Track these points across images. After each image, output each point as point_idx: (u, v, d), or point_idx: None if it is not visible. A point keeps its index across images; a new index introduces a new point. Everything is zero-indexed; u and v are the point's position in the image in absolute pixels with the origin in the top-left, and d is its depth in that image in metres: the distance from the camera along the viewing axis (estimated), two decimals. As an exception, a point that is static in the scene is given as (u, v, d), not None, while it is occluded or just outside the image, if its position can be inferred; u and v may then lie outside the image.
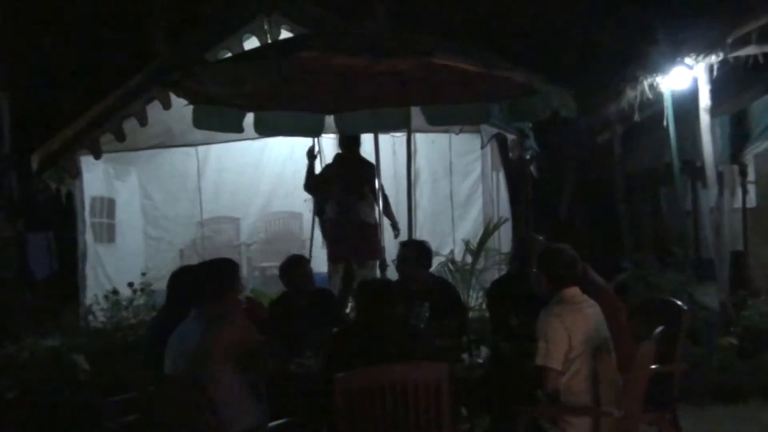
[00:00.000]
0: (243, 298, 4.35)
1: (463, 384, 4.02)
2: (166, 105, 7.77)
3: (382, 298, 3.89)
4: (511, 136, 8.64)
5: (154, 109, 8.01)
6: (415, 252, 5.33)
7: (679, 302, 4.72)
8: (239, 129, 6.13)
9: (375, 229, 7.23)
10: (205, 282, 3.88)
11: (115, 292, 8.00)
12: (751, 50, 7.25)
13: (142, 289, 7.79)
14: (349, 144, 7.28)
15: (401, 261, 5.29)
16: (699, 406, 5.78)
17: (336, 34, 6.17)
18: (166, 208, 9.76)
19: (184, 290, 4.13)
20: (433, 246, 5.80)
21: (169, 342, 3.83)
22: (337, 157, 7.55)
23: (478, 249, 8.18)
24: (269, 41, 7.79)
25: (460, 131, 8.73)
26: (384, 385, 3.40)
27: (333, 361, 3.72)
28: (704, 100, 7.51)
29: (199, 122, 5.85)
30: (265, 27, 7.96)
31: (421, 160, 9.48)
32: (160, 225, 9.73)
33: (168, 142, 8.84)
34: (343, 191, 7.15)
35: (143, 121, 7.98)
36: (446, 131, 8.74)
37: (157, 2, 12.19)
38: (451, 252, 8.45)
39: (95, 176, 8.85)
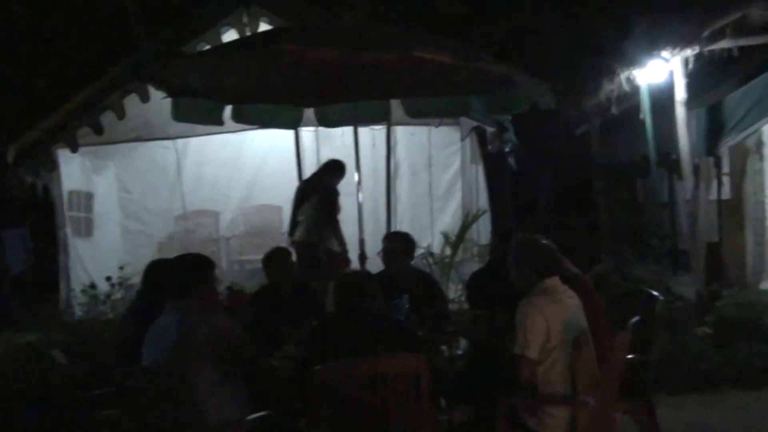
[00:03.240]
0: (224, 289, 4.35)
1: (442, 375, 4.05)
2: (144, 98, 7.74)
3: (362, 291, 3.90)
4: (490, 129, 8.68)
5: (131, 102, 7.98)
6: (402, 244, 5.37)
7: (654, 292, 4.77)
8: (219, 122, 6.12)
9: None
10: (180, 277, 3.87)
11: (92, 286, 7.97)
12: (725, 44, 7.34)
13: (120, 283, 7.76)
14: None
15: (388, 253, 5.32)
16: (674, 394, 5.86)
17: (315, 27, 6.16)
18: (145, 202, 9.72)
19: (159, 284, 4.12)
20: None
21: (146, 337, 3.82)
22: None
23: (456, 241, 8.22)
24: (248, 34, 7.78)
25: (440, 124, 8.76)
26: (363, 376, 3.42)
27: (312, 354, 3.73)
28: (680, 93, 7.59)
29: (179, 115, 5.84)
30: (244, 20, 7.94)
31: (400, 153, 9.51)
32: (138, 219, 9.69)
33: (146, 135, 8.81)
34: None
35: (121, 114, 7.95)
36: (426, 124, 8.76)
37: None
38: (429, 246, 8.49)
39: (72, 170, 8.79)
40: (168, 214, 9.67)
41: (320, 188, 7.56)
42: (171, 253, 7.83)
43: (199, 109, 5.89)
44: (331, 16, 7.67)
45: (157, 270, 4.41)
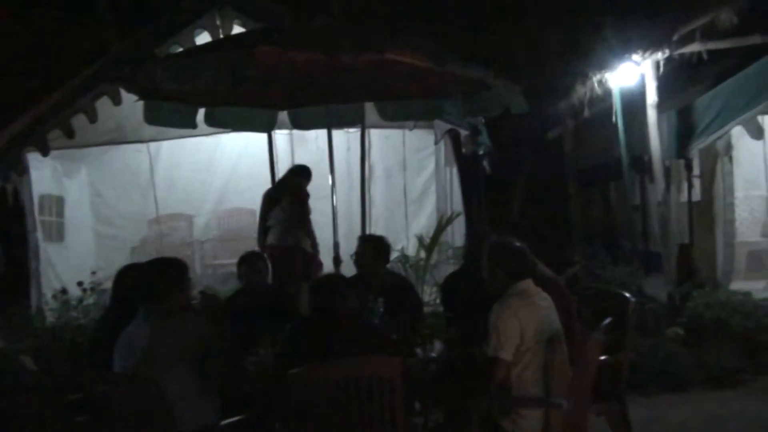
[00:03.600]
0: (197, 293, 4.32)
1: (416, 378, 4.06)
2: (116, 100, 7.66)
3: (336, 294, 3.90)
4: (464, 132, 8.72)
5: (103, 105, 7.89)
6: (374, 248, 5.37)
7: (626, 294, 4.82)
8: (192, 125, 6.08)
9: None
10: (152, 282, 3.84)
11: (63, 291, 7.87)
12: (695, 47, 7.44)
13: (92, 288, 7.67)
14: None
15: (363, 256, 5.31)
16: (647, 395, 5.93)
17: (289, 30, 6.15)
18: (118, 206, 9.62)
19: (131, 289, 4.08)
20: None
21: (118, 343, 3.78)
22: None
23: (431, 244, 8.23)
24: (221, 36, 7.74)
25: (414, 127, 8.77)
26: (337, 380, 3.42)
27: (287, 357, 3.72)
28: (651, 97, 7.68)
29: (151, 118, 5.79)
30: (217, 22, 7.90)
31: (375, 156, 9.52)
32: (111, 223, 9.59)
33: (118, 138, 8.72)
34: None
35: (92, 117, 7.86)
36: (400, 127, 8.77)
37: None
38: (402, 248, 8.50)
39: (43, 174, 8.67)
40: (141, 218, 9.58)
41: (289, 191, 7.54)
42: (144, 258, 7.75)
43: (172, 112, 5.85)
44: (306, 18, 7.66)
45: (128, 275, 4.37)
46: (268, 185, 8.31)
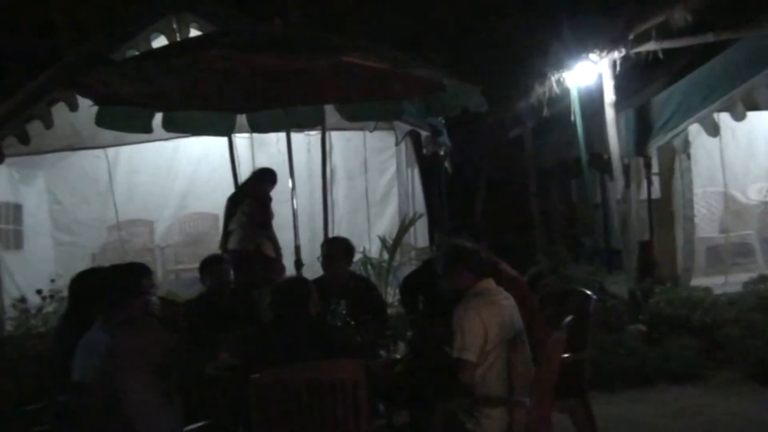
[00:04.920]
0: (155, 299, 4.26)
1: (380, 380, 4.04)
2: (73, 106, 7.54)
3: (299, 297, 3.87)
4: (424, 133, 8.73)
5: (59, 111, 7.76)
6: (342, 250, 5.36)
7: (588, 292, 4.85)
8: (146, 129, 6.00)
9: None
10: (109, 288, 3.77)
11: (22, 300, 7.72)
12: (651, 46, 7.54)
13: (51, 296, 7.54)
14: None
15: (328, 259, 5.30)
16: (610, 391, 5.98)
17: (246, 33, 6.09)
18: (77, 212, 9.47)
19: (88, 296, 4.01)
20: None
21: (76, 351, 3.71)
22: None
23: (393, 245, 8.24)
24: (178, 40, 7.65)
25: (375, 128, 8.76)
26: (300, 383, 3.39)
27: (249, 361, 3.68)
28: (609, 95, 7.76)
29: (103, 121, 5.69)
30: (174, 26, 7.81)
31: (336, 158, 9.49)
32: (70, 230, 9.44)
33: (76, 144, 8.60)
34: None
35: (48, 124, 7.72)
36: (361, 129, 8.76)
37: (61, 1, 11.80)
38: (364, 249, 8.49)
39: (-1, 181, 8.52)
40: (101, 225, 9.44)
41: (251, 195, 7.49)
42: (105, 264, 7.67)
43: (126, 116, 5.76)
44: (262, 21, 7.60)
45: (85, 281, 4.29)
46: (230, 189, 8.23)
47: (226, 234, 7.48)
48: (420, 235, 8.91)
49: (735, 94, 7.29)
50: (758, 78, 7.19)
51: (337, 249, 5.40)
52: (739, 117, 7.42)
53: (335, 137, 9.17)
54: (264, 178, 7.61)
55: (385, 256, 8.37)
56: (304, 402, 3.40)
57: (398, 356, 4.42)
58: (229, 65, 5.45)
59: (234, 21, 7.75)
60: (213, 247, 8.06)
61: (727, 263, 8.45)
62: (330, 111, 6.87)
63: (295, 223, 6.12)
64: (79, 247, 9.25)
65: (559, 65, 8.10)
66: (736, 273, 8.15)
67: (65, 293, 7.16)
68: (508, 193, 11.17)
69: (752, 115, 7.65)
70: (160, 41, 7.75)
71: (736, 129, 8.33)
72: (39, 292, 7.60)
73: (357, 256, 7.28)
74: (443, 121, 8.60)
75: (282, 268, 7.45)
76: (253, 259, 7.25)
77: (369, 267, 8.13)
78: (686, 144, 7.83)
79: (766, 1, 7.44)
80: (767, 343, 6.21)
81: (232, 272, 5.40)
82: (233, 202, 7.60)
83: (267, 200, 7.54)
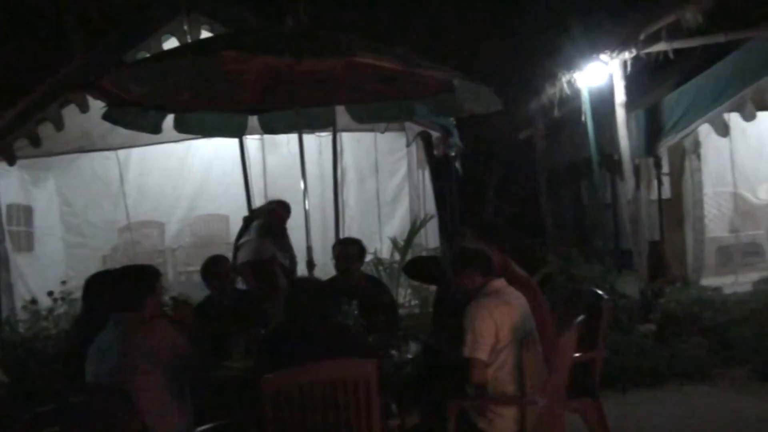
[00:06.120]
0: (168, 300, 4.28)
1: (392, 380, 4.05)
2: (84, 108, 7.58)
3: (313, 298, 3.88)
4: (435, 134, 8.73)
5: (70, 113, 7.81)
6: (354, 250, 5.40)
7: (599, 292, 4.85)
8: (156, 130, 6.02)
9: None
10: (121, 290, 3.79)
11: (33, 301, 7.77)
12: (661, 47, 7.52)
13: (62, 298, 7.58)
14: None
15: (342, 259, 5.33)
16: (621, 390, 5.97)
17: (257, 34, 6.11)
18: (87, 214, 9.52)
19: (101, 298, 4.03)
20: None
21: (89, 353, 3.73)
22: None
23: (405, 246, 8.25)
24: (189, 41, 7.69)
25: (386, 130, 8.77)
26: (313, 383, 3.40)
27: (263, 362, 3.69)
28: (619, 96, 7.75)
29: (111, 117, 5.72)
30: (185, 27, 7.84)
31: (347, 160, 9.52)
32: (81, 232, 9.49)
33: (87, 146, 8.63)
34: None
35: (59, 126, 7.77)
36: (372, 130, 8.76)
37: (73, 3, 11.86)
38: (375, 250, 8.50)
39: (10, 183, 8.56)
40: (111, 227, 9.49)
41: (267, 215, 7.46)
42: (116, 266, 7.70)
43: (133, 114, 5.79)
44: (273, 22, 7.62)
45: (98, 283, 4.31)
46: (241, 191, 8.26)
47: (236, 251, 7.39)
48: (431, 236, 8.92)
49: (745, 95, 7.28)
50: (765, 79, 7.18)
51: (348, 250, 5.43)
52: (749, 117, 7.40)
53: (346, 138, 9.19)
54: (282, 207, 7.58)
55: (396, 256, 8.38)
56: (317, 402, 3.40)
57: (410, 356, 4.43)
58: (240, 66, 5.47)
59: (245, 22, 7.78)
60: (224, 248, 8.08)
61: (737, 263, 8.43)
62: (340, 112, 6.88)
63: (307, 224, 6.13)
64: (89, 249, 9.31)
65: (570, 66, 8.09)
66: (746, 273, 8.15)
67: (76, 295, 7.24)
68: (519, 193, 11.15)
69: (762, 116, 7.64)
70: (171, 43, 7.79)
71: (746, 129, 8.32)
72: (50, 294, 7.64)
73: (368, 257, 7.31)
74: (454, 122, 8.60)
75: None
76: (269, 268, 7.17)
77: (380, 267, 8.14)
78: (696, 144, 7.81)
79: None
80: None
81: (236, 274, 5.39)
82: (245, 220, 7.58)
83: (278, 221, 7.48)
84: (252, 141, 8.88)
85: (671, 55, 7.61)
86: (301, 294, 3.91)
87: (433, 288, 5.58)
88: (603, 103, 8.22)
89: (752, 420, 5.34)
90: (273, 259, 7.19)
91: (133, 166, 9.45)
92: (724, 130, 7.53)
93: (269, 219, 7.38)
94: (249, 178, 8.52)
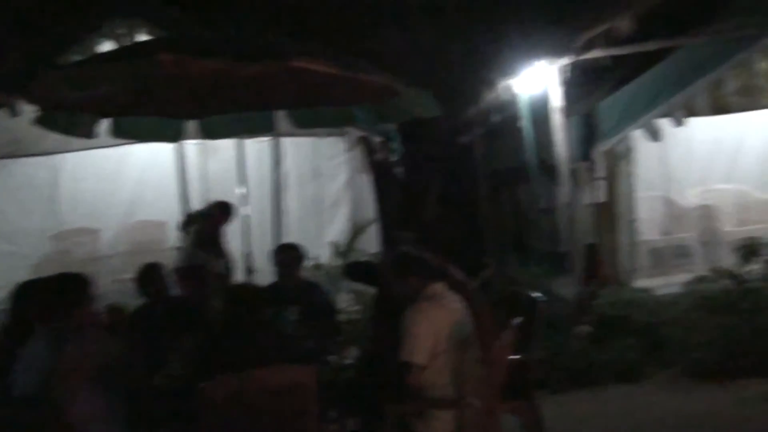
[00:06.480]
0: (103, 308, 4.20)
1: (331, 386, 4.05)
2: (14, 112, 7.38)
3: (250, 304, 3.86)
4: (375, 139, 8.77)
5: (0, 117, 7.60)
6: (293, 256, 5.39)
7: (535, 294, 4.93)
8: (90, 135, 5.91)
9: None
10: (49, 299, 3.70)
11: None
12: (597, 53, 7.69)
13: (-8, 307, 7.35)
14: None
15: (287, 265, 5.31)
16: (557, 392, 6.08)
17: (195, 37, 6.05)
18: (19, 221, 9.26)
19: (28, 307, 3.92)
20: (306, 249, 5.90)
21: (16, 364, 3.63)
22: None
23: (345, 251, 8.25)
24: (125, 44, 7.55)
25: (326, 135, 8.77)
26: (250, 391, 3.38)
27: (200, 370, 3.65)
28: (556, 101, 7.90)
29: (44, 122, 5.59)
30: (121, 30, 7.71)
31: (288, 165, 9.44)
32: (10, 240, 9.22)
33: (18, 151, 8.42)
34: None
35: (-13, 130, 7.55)
36: (312, 135, 8.76)
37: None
38: (315, 255, 8.47)
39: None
40: (44, 234, 9.25)
41: (200, 220, 7.39)
42: (47, 274, 7.50)
43: (67, 119, 5.67)
44: (212, 25, 7.55)
45: (24, 292, 4.19)
46: (178, 197, 8.15)
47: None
48: (371, 241, 8.93)
49: (675, 101, 7.51)
50: (696, 85, 7.43)
51: (288, 255, 5.42)
52: (678, 123, 7.65)
53: (287, 143, 9.14)
54: (220, 210, 7.50)
55: (337, 261, 8.37)
56: (256, 409, 3.39)
57: (349, 361, 4.44)
58: (179, 70, 5.39)
59: (183, 26, 7.68)
60: (161, 255, 7.95)
61: (668, 265, 8.67)
62: (281, 117, 6.85)
63: (246, 230, 6.10)
64: (20, 258, 9.03)
65: (508, 71, 8.21)
66: (677, 274, 8.38)
67: (4, 306, 7.03)
68: (459, 198, 11.24)
69: (692, 121, 7.89)
70: (106, 46, 7.65)
71: (677, 134, 8.56)
72: (-23, 303, 7.41)
73: (308, 262, 7.29)
74: (395, 127, 8.65)
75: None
76: (200, 274, 7.08)
77: (320, 273, 8.12)
78: (629, 149, 8.01)
79: (704, 11, 7.68)
80: (706, 341, 6.39)
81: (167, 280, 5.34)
82: (184, 228, 7.50)
83: (213, 227, 7.41)
84: (192, 145, 8.77)
85: (607, 62, 7.79)
86: (240, 300, 3.89)
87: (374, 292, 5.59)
88: (540, 108, 8.35)
89: (684, 418, 5.49)
90: (202, 266, 7.12)
91: (66, 172, 9.24)
92: (655, 135, 7.76)
93: (205, 225, 7.32)
94: (187, 183, 8.42)
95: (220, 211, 7.46)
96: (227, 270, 7.41)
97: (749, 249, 6.91)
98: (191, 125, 6.71)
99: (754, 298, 6.62)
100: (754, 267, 6.91)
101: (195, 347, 4.04)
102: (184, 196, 8.27)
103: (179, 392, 3.84)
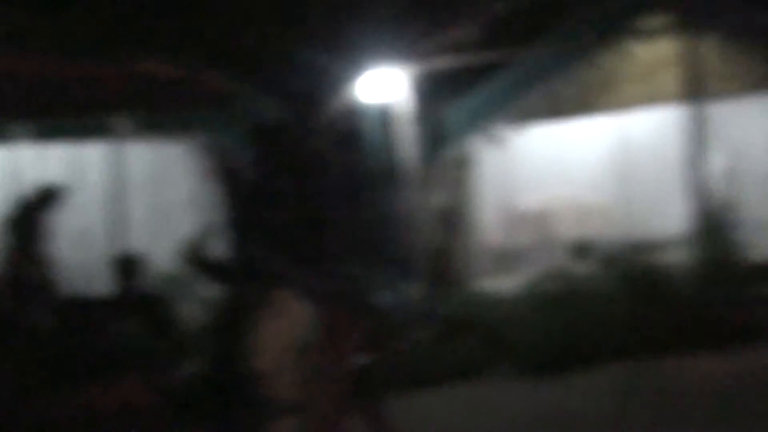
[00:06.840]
0: None
1: (177, 397, 3.93)
2: None
3: (78, 317, 3.67)
4: (223, 143, 8.60)
5: None
6: (135, 266, 5.33)
7: (385, 297, 4.98)
8: None
9: None
10: None
11: None
12: (444, 61, 7.91)
13: None
14: None
15: (124, 275, 5.13)
16: (402, 394, 6.16)
17: (24, 32, 5.71)
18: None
19: None
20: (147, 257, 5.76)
21: None
22: None
23: (190, 260, 8.02)
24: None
25: (171, 139, 8.53)
26: (75, 407, 3.22)
27: (21, 389, 3.43)
28: (403, 107, 8.06)
29: None
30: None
31: (132, 170, 9.10)
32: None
33: None
34: None
35: None
36: (158, 139, 8.49)
37: None
38: (160, 266, 8.21)
39: None
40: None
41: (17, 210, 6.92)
42: None
43: None
44: (45, 19, 7.14)
45: None
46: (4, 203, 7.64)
47: None
48: (219, 248, 8.75)
49: (515, 108, 7.86)
50: (535, 93, 7.81)
51: (131, 265, 5.25)
52: (518, 130, 8.01)
53: (130, 148, 8.81)
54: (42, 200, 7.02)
55: (183, 269, 8.13)
56: (83, 428, 3.23)
57: (193, 371, 4.33)
58: (6, 66, 5.06)
59: (12, 17, 7.21)
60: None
61: (508, 267, 9.04)
62: (120, 120, 6.60)
63: (83, 237, 5.82)
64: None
65: (356, 77, 8.29)
66: (517, 275, 8.75)
67: None
68: (308, 204, 11.23)
69: (530, 128, 8.29)
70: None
71: (515, 141, 8.95)
72: None
73: (149, 272, 7.04)
74: (244, 133, 8.52)
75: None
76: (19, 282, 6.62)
77: (165, 281, 7.87)
78: (471, 154, 8.31)
79: (544, 22, 8.08)
80: (543, 338, 6.71)
81: None
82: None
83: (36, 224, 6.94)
84: (25, 149, 8.25)
85: (455, 70, 8.01)
86: (71, 312, 3.70)
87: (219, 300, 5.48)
88: (388, 114, 8.49)
89: (527, 414, 5.71)
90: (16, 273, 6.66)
91: None
92: (497, 141, 8.08)
93: (23, 214, 6.86)
94: (21, 187, 7.90)
95: (41, 197, 6.82)
96: (45, 278, 6.94)
97: (583, 251, 7.32)
98: (22, 127, 6.33)
99: (586, 295, 7.01)
100: (587, 267, 7.32)
101: (19, 359, 3.79)
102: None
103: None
